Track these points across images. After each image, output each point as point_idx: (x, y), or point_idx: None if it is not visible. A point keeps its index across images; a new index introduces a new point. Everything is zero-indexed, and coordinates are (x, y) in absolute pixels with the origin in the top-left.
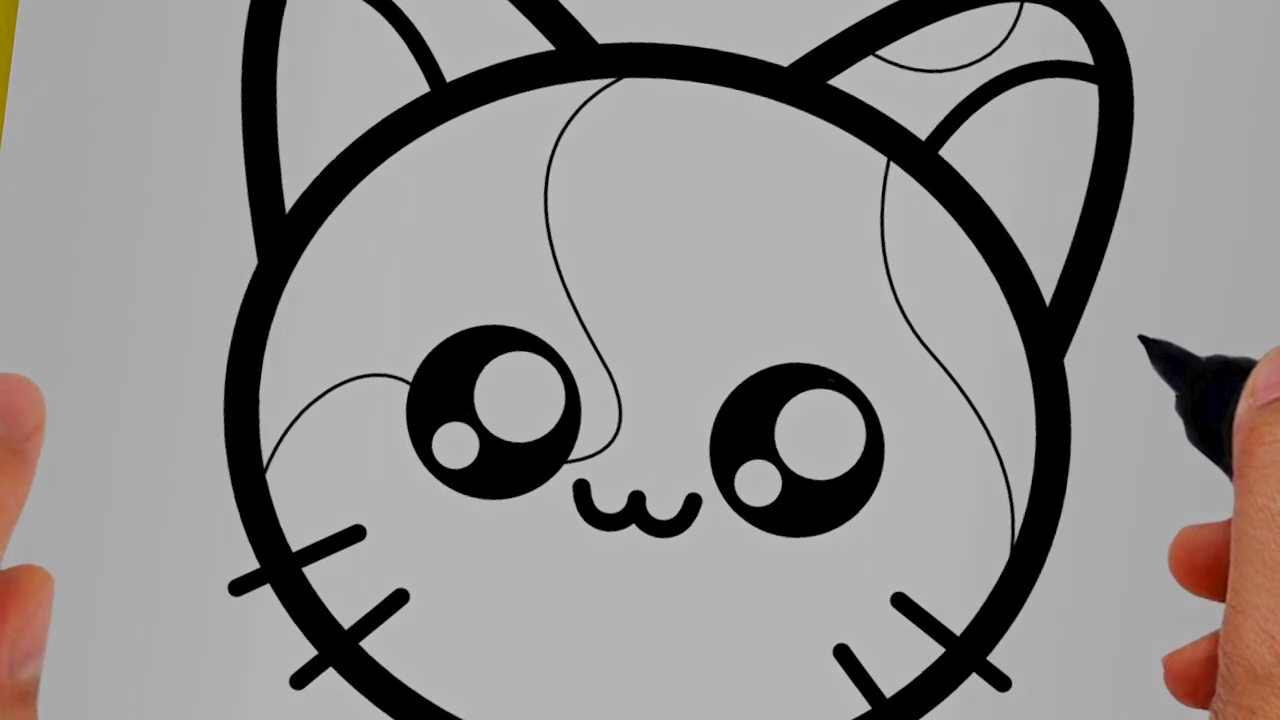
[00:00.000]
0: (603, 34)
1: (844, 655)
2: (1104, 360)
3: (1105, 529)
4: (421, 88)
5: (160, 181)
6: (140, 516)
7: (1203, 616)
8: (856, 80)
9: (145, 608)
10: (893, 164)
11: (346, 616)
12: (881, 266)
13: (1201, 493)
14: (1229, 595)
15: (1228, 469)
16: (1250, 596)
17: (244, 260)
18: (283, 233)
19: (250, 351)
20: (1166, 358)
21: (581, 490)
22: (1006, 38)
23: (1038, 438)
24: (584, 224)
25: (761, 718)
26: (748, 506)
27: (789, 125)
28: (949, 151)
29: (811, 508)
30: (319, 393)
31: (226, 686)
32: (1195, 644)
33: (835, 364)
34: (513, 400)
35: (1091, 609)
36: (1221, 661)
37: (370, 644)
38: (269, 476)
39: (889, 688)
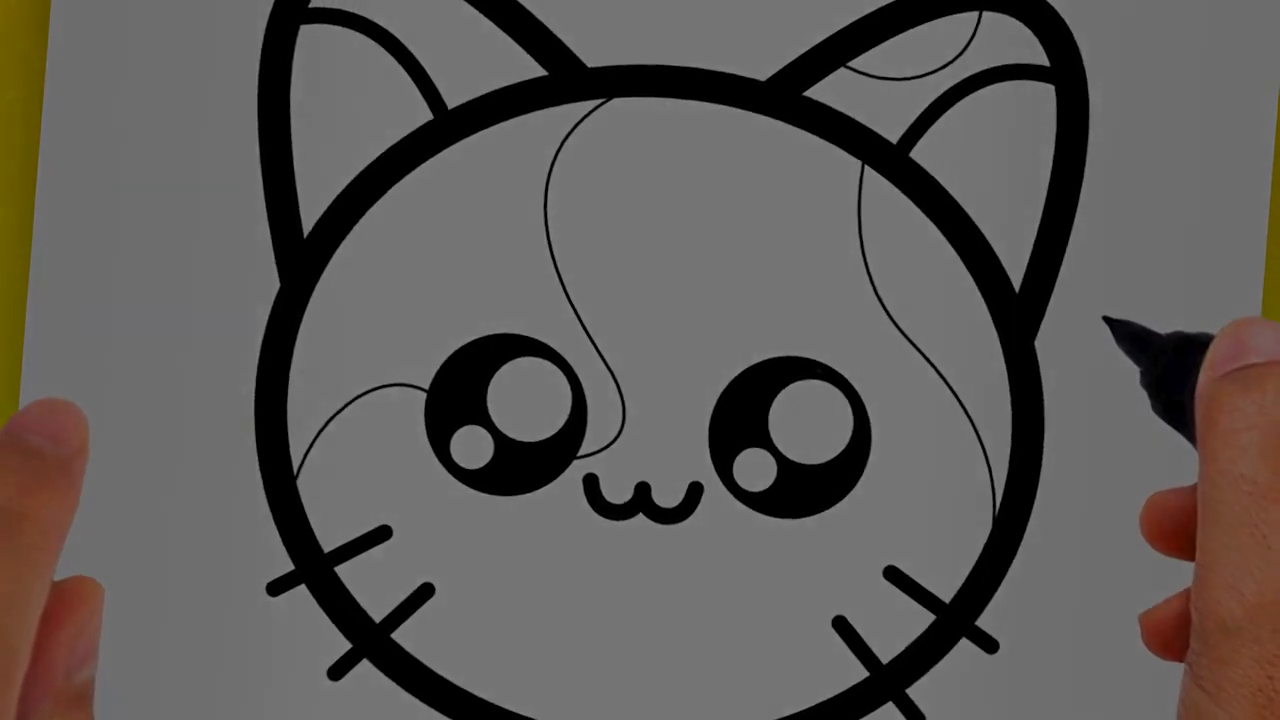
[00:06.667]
0: (592, 58)
1: (842, 626)
2: (1072, 341)
3: (1080, 498)
4: (425, 115)
5: (189, 213)
6: (182, 526)
7: (1174, 575)
8: (830, 91)
9: (191, 611)
10: (867, 167)
11: (377, 611)
12: (861, 263)
13: (1168, 460)
14: (1198, 554)
15: (1191, 437)
16: (1218, 555)
17: (267, 283)
18: (302, 256)
19: (277, 368)
20: (1130, 336)
21: (591, 484)
22: (968, 45)
23: (1013, 416)
24: (583, 235)
25: (767, 688)
26: (746, 492)
27: (769, 135)
28: (919, 153)
29: (806, 491)
30: (343, 404)
31: (268, 680)
32: (1168, 601)
33: (822, 355)
34: (523, 403)
35: (1070, 573)
36: (1194, 616)
37: (401, 635)
38: (299, 484)
39: (885, 655)
